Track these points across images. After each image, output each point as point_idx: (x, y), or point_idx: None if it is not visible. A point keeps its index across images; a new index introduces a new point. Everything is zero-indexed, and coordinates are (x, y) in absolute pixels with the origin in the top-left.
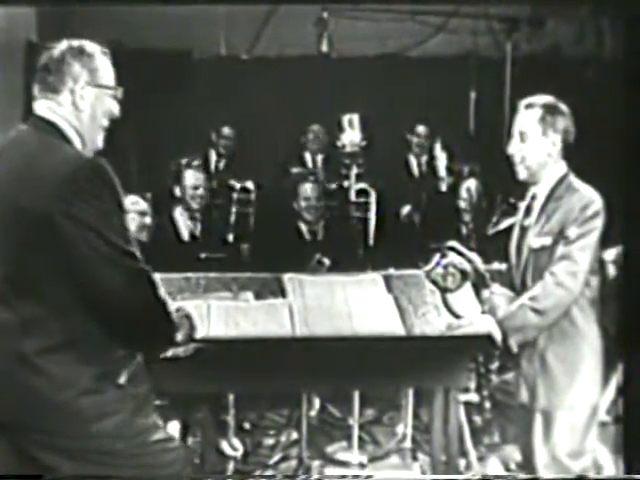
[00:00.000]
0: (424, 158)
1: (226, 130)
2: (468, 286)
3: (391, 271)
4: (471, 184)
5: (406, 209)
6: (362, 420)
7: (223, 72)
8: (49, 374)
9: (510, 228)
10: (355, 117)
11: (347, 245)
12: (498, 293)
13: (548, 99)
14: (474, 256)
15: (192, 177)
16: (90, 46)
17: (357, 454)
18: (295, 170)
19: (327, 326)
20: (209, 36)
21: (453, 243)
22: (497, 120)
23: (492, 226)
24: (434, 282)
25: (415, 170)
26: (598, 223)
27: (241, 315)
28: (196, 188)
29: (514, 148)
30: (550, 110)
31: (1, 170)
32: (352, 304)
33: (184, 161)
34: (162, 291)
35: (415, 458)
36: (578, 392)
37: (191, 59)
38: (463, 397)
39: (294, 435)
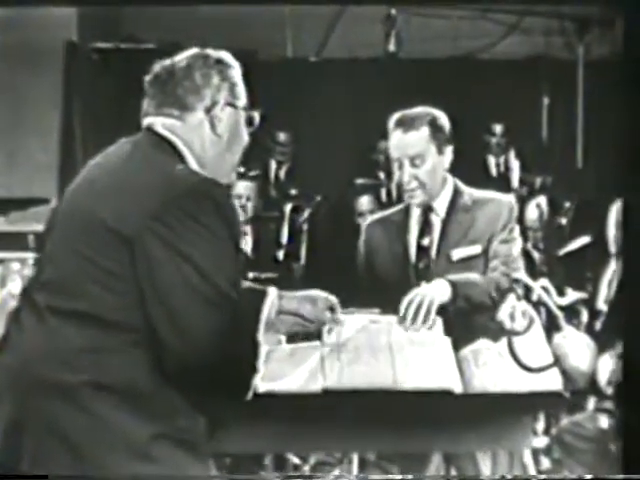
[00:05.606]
0: (502, 158)
1: (282, 136)
2: (538, 328)
3: None
4: (541, 200)
5: None
6: None
7: (290, 74)
8: (97, 415)
9: (582, 248)
10: None
11: None
12: (571, 337)
13: (426, 112)
14: (545, 291)
15: (239, 187)
16: (227, 56)
17: None
18: (359, 181)
19: (364, 376)
20: (275, 37)
21: (521, 275)
22: (570, 128)
23: (564, 246)
24: (500, 323)
25: (493, 170)
26: None
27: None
28: (239, 197)
29: (407, 176)
30: (435, 123)
31: (87, 179)
32: (397, 348)
33: (241, 170)
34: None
35: None
36: None
37: (256, 60)
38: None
39: None
